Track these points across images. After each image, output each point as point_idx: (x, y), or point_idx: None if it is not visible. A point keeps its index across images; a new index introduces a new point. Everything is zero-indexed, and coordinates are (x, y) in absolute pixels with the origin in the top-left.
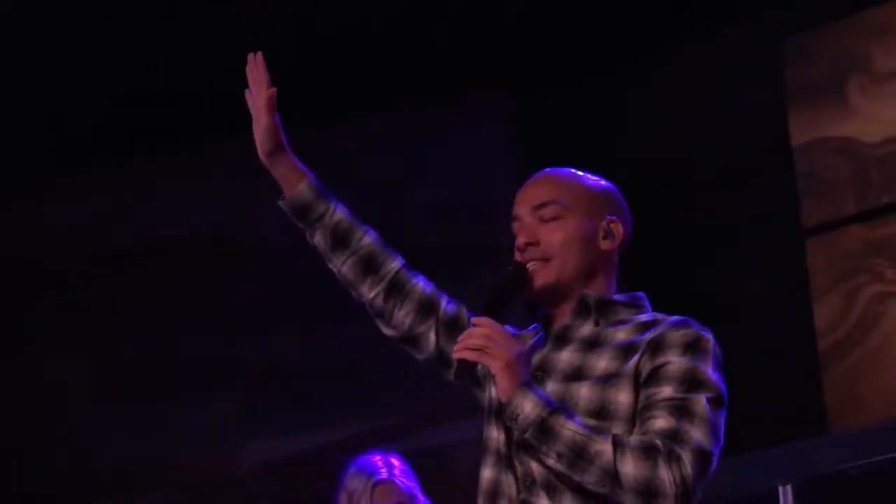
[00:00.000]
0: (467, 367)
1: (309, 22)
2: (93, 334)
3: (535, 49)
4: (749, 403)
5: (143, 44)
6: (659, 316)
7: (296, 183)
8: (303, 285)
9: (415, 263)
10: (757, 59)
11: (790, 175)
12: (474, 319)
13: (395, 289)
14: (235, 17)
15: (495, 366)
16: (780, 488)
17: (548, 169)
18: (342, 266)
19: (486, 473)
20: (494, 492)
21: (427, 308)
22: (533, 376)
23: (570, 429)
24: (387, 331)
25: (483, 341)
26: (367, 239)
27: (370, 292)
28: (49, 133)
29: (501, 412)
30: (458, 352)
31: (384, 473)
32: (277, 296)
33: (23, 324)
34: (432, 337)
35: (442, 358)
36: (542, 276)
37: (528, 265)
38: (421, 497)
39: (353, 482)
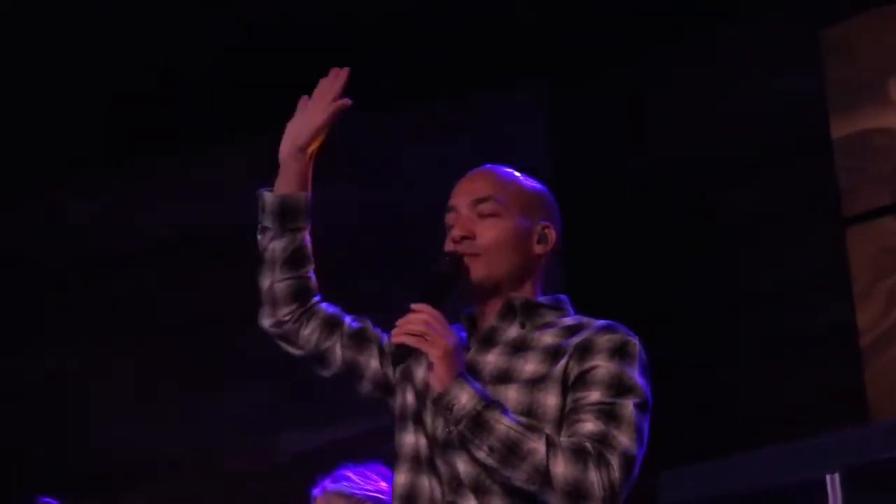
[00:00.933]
0: (404, 352)
1: (348, 9)
2: (133, 325)
3: (568, 39)
4: (792, 393)
5: (143, 43)
6: (584, 319)
7: (300, 187)
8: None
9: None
10: (797, 49)
11: (830, 167)
12: (413, 305)
13: (307, 312)
14: (237, 17)
15: (434, 353)
16: (829, 476)
17: (489, 165)
18: (280, 282)
19: (401, 479)
20: (410, 496)
21: (332, 324)
22: None
23: (504, 424)
24: (293, 350)
25: (422, 328)
26: (311, 273)
27: (286, 315)
28: (50, 134)
29: (419, 416)
30: (397, 336)
31: (319, 488)
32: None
33: (46, 322)
34: (338, 351)
35: (350, 370)
36: (474, 271)
37: (461, 254)
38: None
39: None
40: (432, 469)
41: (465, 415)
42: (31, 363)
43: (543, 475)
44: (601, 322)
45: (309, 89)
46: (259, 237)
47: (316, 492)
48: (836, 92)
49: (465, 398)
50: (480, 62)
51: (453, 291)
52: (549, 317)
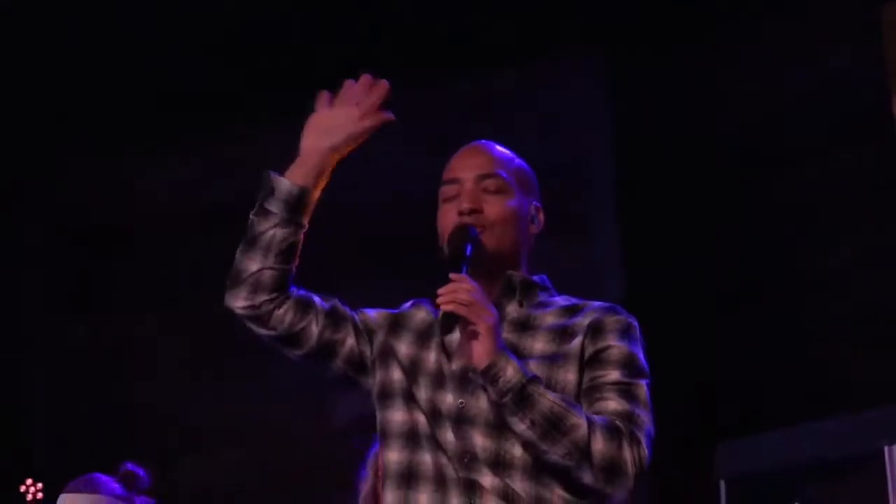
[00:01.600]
0: (453, 320)
1: None
2: (174, 296)
3: (631, 6)
4: (855, 369)
5: (217, 6)
6: (576, 300)
7: (318, 184)
8: (389, 242)
9: None
10: (856, 25)
11: (891, 142)
12: (454, 276)
13: (284, 298)
14: None
15: (482, 325)
16: (886, 448)
17: (485, 141)
18: (269, 270)
19: (394, 456)
20: (409, 474)
21: (304, 305)
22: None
23: (548, 398)
24: (263, 331)
25: (469, 297)
26: (294, 269)
27: (263, 301)
28: (120, 99)
29: (409, 393)
30: (446, 304)
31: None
32: (365, 252)
33: (114, 284)
34: (314, 330)
35: (324, 350)
36: (485, 243)
37: (472, 227)
38: None
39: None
40: (436, 445)
41: (511, 388)
42: (97, 328)
43: (583, 451)
44: (599, 303)
45: (380, 61)
46: (254, 218)
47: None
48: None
49: (510, 371)
50: (541, 32)
51: (464, 261)
52: (542, 296)
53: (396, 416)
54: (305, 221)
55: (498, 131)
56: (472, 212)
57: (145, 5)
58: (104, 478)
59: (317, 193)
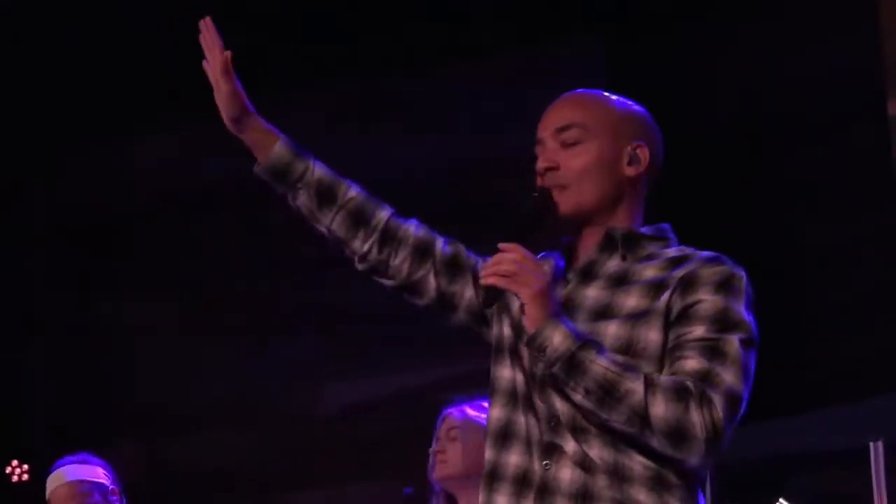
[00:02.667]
0: (495, 293)
1: None
2: (178, 275)
3: None
4: (836, 357)
5: None
6: (688, 250)
7: (269, 146)
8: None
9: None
10: (855, 7)
11: (884, 124)
12: (502, 245)
13: (388, 237)
14: None
15: (525, 293)
16: (872, 444)
17: (576, 90)
18: (331, 223)
19: (496, 413)
20: (505, 433)
21: (423, 251)
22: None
23: (600, 364)
24: (385, 282)
25: (513, 267)
26: (353, 191)
27: (363, 245)
28: (117, 78)
29: (516, 350)
30: (486, 278)
31: (449, 409)
32: None
33: (110, 264)
34: (432, 280)
35: (444, 300)
36: (562, 203)
37: (549, 189)
38: None
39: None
40: (530, 406)
41: (559, 357)
42: (94, 310)
43: (642, 417)
44: (706, 253)
45: (376, 47)
46: (292, 204)
47: (451, 411)
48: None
49: (557, 339)
50: (540, 16)
51: (544, 227)
52: (652, 248)
53: (504, 372)
54: (300, 170)
55: (493, 119)
56: (548, 170)
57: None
58: (95, 458)
59: (276, 148)
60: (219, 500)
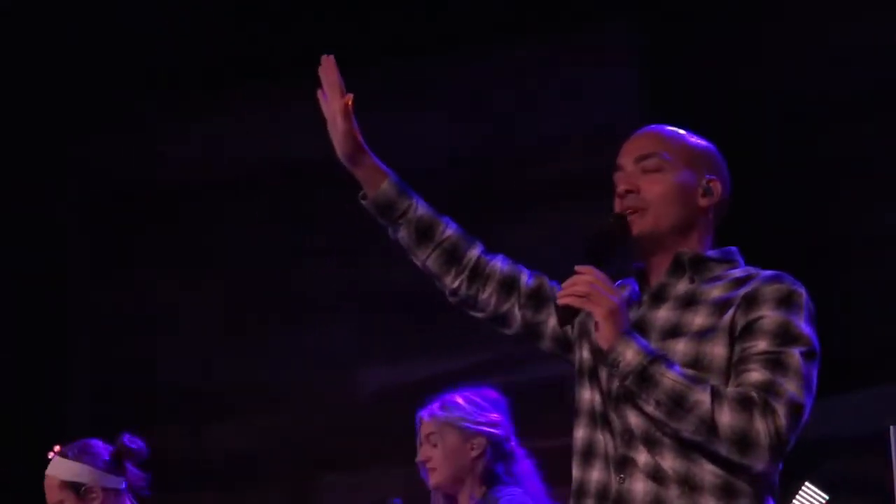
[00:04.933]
0: (570, 313)
1: None
2: (205, 264)
3: None
4: (860, 344)
5: None
6: (752, 270)
7: (379, 182)
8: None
9: (536, 196)
10: None
11: None
12: (577, 267)
13: (476, 274)
14: None
15: (599, 312)
16: (893, 427)
17: (653, 125)
18: (427, 259)
19: (580, 433)
20: (588, 451)
21: (508, 286)
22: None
23: (669, 377)
24: (476, 314)
25: (587, 288)
26: (449, 230)
27: (454, 282)
28: (165, 60)
29: (594, 372)
30: (562, 298)
31: (427, 411)
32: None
33: (138, 253)
34: (517, 312)
35: (530, 330)
36: (639, 225)
37: (626, 214)
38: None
39: None
40: (606, 423)
41: (631, 371)
42: (132, 291)
43: (710, 426)
44: (768, 273)
45: (405, 31)
46: (392, 237)
47: (423, 414)
48: None
49: (630, 354)
50: (568, 3)
51: (617, 251)
52: (718, 270)
53: (584, 394)
54: (403, 208)
55: (523, 103)
56: (628, 192)
57: None
58: (99, 446)
59: (385, 184)
60: (252, 482)
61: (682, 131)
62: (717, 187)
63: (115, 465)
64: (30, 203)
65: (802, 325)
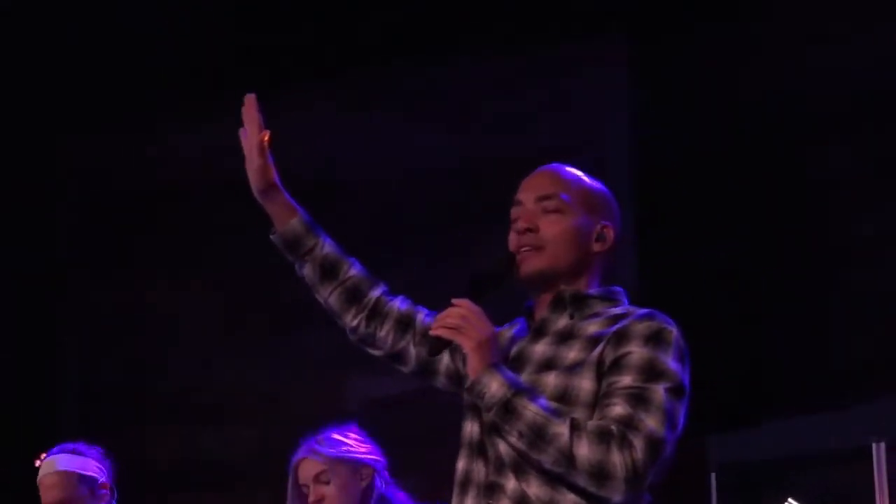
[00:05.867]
0: (441, 344)
1: None
2: (203, 266)
3: None
4: (843, 361)
5: None
6: (631, 309)
7: (288, 218)
8: (417, 223)
9: None
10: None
11: None
12: (453, 300)
13: (375, 313)
14: None
15: (468, 344)
16: (874, 445)
17: (555, 164)
18: (329, 297)
19: (460, 464)
20: (465, 481)
21: (404, 324)
22: (506, 362)
23: (531, 410)
24: (373, 352)
25: (458, 320)
26: (353, 271)
27: (353, 320)
28: (164, 64)
29: (475, 405)
30: (434, 329)
31: (298, 452)
32: (390, 233)
33: (136, 254)
34: (412, 350)
35: (424, 367)
36: (534, 263)
37: (520, 251)
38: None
39: None
40: (482, 453)
41: (496, 403)
42: (123, 295)
43: (568, 457)
44: (642, 311)
45: (395, 39)
46: (298, 272)
47: (305, 455)
48: None
49: (495, 386)
50: (561, 13)
51: (501, 287)
52: (598, 307)
53: (466, 426)
54: (310, 245)
55: (513, 113)
56: (528, 230)
57: None
58: (87, 447)
59: (294, 221)
60: (240, 489)
61: (581, 174)
62: (610, 234)
63: (104, 466)
64: (29, 203)
65: (669, 362)
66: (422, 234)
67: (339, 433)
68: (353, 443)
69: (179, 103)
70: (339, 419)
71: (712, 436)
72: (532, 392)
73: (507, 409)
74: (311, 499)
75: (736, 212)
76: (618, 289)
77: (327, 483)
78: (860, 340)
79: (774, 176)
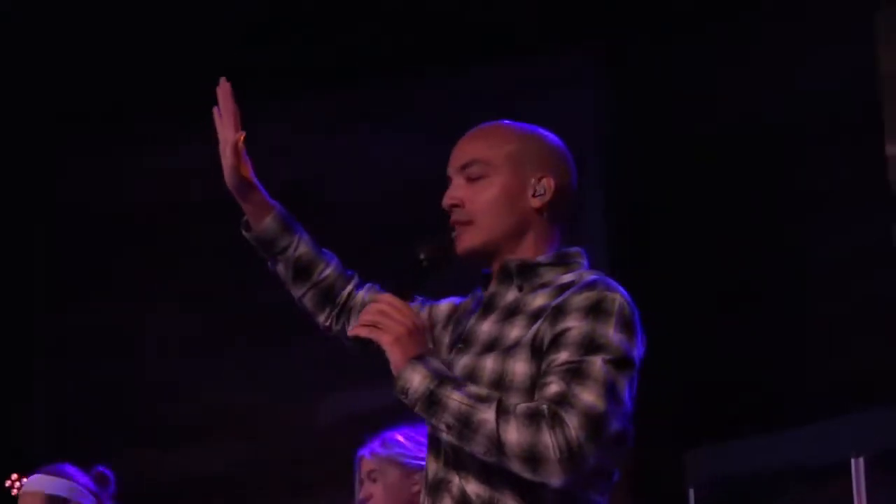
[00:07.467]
0: (360, 343)
1: None
2: (179, 283)
3: (625, 4)
4: (823, 375)
5: None
6: (583, 273)
7: (263, 216)
8: (395, 239)
9: None
10: (854, 22)
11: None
12: (375, 296)
13: (343, 309)
14: None
15: (385, 340)
16: (853, 460)
17: (481, 125)
18: (302, 297)
19: (427, 465)
20: (426, 480)
21: None
22: (454, 346)
23: (455, 399)
24: (347, 345)
25: (375, 317)
26: (328, 271)
27: (326, 321)
28: (142, 82)
29: None
30: (352, 330)
31: (367, 449)
32: (375, 247)
33: (113, 271)
34: None
35: None
36: (468, 240)
37: (452, 230)
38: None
39: None
40: (436, 448)
41: (419, 397)
42: (97, 318)
43: (497, 444)
44: (588, 278)
45: (380, 54)
46: (270, 269)
47: (364, 452)
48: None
49: (417, 380)
50: (534, 27)
51: (435, 274)
52: (549, 276)
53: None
54: (285, 243)
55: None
56: (453, 207)
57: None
58: (75, 469)
59: (268, 218)
60: None
61: (510, 125)
62: (550, 183)
63: (95, 490)
64: (2, 224)
65: (610, 333)
66: (408, 248)
67: (403, 434)
68: (410, 446)
69: (154, 122)
70: (317, 434)
71: (691, 451)
72: (457, 380)
73: (432, 401)
74: (360, 495)
75: (714, 227)
76: (573, 250)
77: (375, 482)
78: (839, 355)
79: (754, 191)
